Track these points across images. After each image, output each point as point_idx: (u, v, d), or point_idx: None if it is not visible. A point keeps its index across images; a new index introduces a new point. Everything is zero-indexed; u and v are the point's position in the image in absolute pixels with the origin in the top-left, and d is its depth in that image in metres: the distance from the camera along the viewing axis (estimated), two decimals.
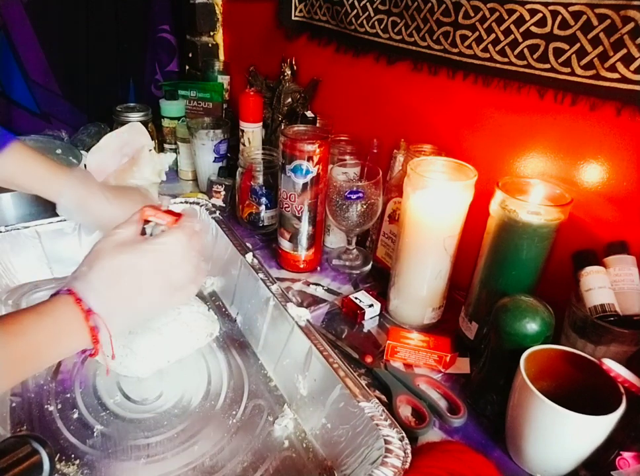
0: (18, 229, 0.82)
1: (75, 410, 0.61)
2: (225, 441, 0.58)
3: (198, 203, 0.95)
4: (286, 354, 0.67)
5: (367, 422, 0.53)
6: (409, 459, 0.49)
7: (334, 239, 0.92)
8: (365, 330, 0.73)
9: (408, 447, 0.50)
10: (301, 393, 0.62)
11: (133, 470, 0.55)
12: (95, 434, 0.59)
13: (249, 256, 0.80)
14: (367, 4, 0.81)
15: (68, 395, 0.64)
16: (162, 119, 1.20)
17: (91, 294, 0.46)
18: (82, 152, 0.96)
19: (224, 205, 1.02)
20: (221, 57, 1.37)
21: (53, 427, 0.59)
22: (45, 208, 0.86)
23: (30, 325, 0.43)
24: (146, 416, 0.62)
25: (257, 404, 0.63)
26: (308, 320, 0.67)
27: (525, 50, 0.62)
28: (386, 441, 0.50)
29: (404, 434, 0.51)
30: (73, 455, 0.56)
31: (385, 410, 0.54)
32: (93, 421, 0.60)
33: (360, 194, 0.77)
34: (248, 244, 0.85)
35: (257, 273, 0.76)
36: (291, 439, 0.59)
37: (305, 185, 0.76)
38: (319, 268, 0.86)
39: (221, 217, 0.92)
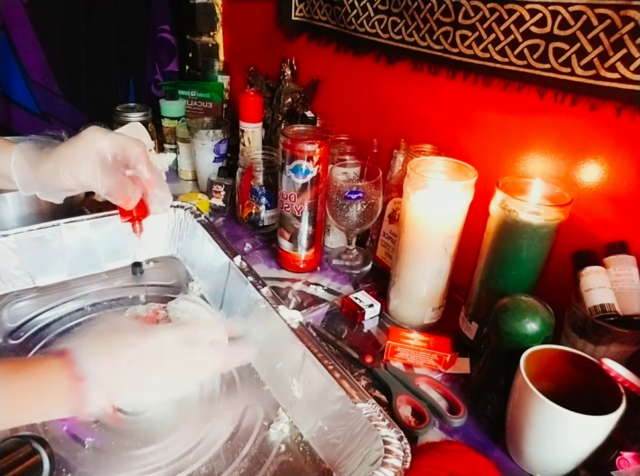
0: None
1: (64, 422, 0.59)
2: (220, 448, 0.57)
3: (182, 207, 0.91)
4: (279, 357, 0.65)
5: (365, 423, 0.52)
6: (409, 459, 0.48)
7: (334, 239, 0.92)
8: (365, 330, 0.73)
9: (408, 446, 0.49)
10: (295, 396, 0.61)
11: None
12: (87, 447, 0.56)
13: (237, 259, 0.77)
14: (367, 4, 0.81)
15: None
16: (162, 119, 1.20)
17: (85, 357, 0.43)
18: None
19: (224, 205, 1.02)
20: (221, 57, 1.37)
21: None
22: (45, 209, 0.85)
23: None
24: (138, 427, 0.59)
25: (251, 410, 0.62)
26: (301, 322, 0.65)
27: (525, 50, 0.62)
28: (385, 442, 0.49)
29: (402, 434, 0.50)
30: (64, 469, 0.53)
31: (383, 411, 0.53)
32: (83, 433, 0.58)
33: (360, 194, 0.77)
34: (237, 246, 0.82)
35: (246, 276, 0.73)
36: (288, 444, 0.58)
37: (305, 185, 0.76)
38: (319, 268, 0.86)
39: (207, 221, 0.88)
